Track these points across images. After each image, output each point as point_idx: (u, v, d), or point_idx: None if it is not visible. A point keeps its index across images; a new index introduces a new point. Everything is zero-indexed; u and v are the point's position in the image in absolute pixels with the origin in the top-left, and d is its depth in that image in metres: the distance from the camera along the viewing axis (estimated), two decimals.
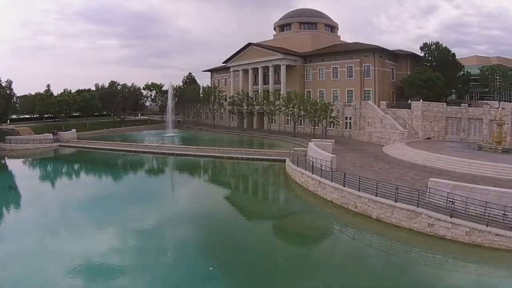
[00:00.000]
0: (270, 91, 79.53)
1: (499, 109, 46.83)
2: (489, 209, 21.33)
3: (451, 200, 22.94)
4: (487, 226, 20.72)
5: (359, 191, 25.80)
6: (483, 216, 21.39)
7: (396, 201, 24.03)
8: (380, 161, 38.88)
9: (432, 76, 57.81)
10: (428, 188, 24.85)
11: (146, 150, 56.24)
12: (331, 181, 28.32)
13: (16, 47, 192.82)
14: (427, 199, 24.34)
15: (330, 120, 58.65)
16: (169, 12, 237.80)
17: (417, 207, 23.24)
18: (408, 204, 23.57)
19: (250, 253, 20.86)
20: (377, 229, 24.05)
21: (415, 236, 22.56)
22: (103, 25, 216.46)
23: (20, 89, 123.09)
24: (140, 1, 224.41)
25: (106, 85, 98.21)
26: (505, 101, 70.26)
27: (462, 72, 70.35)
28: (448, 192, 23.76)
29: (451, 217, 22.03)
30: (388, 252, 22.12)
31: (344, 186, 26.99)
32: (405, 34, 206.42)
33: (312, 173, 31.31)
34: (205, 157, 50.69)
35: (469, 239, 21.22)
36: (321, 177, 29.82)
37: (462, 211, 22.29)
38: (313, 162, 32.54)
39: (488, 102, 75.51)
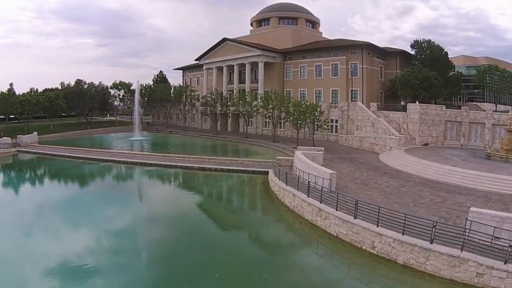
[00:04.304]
0: (246, 90, 72.29)
1: (510, 112, 41.48)
2: None
3: (497, 237, 17.33)
4: None
5: (377, 226, 18.88)
6: None
7: (432, 242, 17.36)
8: (383, 174, 32.33)
9: (429, 75, 52.05)
10: (469, 223, 18.36)
11: (107, 158, 48.56)
12: (336, 210, 21.22)
13: None
14: (467, 235, 17.94)
15: (318, 123, 51.35)
16: (144, 11, 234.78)
17: (462, 251, 16.77)
18: (449, 247, 17.05)
19: None
20: (405, 280, 17.27)
21: None
22: (79, 24, 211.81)
23: None
24: (115, 0, 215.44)
25: (73, 83, 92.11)
26: (499, 103, 65.87)
27: (452, 72, 65.65)
28: (494, 227, 17.80)
29: (505, 264, 15.99)
30: None
31: (355, 218, 19.96)
32: (380, 35, 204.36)
33: (308, 196, 24.14)
34: (173, 168, 42.82)
35: None
36: (321, 202, 22.69)
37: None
38: (308, 182, 25.25)
39: (478, 103, 71.46)
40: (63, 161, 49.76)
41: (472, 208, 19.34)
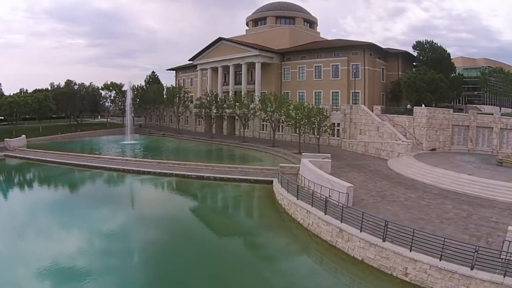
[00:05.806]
0: (242, 92, 69.90)
1: None
2: None
3: None
4: None
5: (411, 250, 16.90)
6: None
7: (472, 268, 15.47)
8: (398, 185, 30.41)
9: (435, 77, 50.32)
10: (508, 244, 16.57)
11: (99, 164, 45.83)
12: (361, 231, 19.15)
13: None
14: (504, 257, 16.18)
15: (324, 128, 49.03)
16: (136, 12, 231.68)
17: (504, 276, 14.98)
18: (489, 272, 15.26)
19: None
20: None
21: None
22: (71, 24, 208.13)
23: None
24: (107, 0, 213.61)
25: (63, 84, 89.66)
26: (501, 106, 64.70)
27: (453, 74, 64.29)
28: None
29: None
30: None
31: (384, 240, 17.95)
32: (372, 36, 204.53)
33: (325, 213, 22.02)
34: (168, 176, 40.33)
35: None
36: (342, 221, 20.59)
37: None
38: (326, 198, 23.07)
39: (478, 106, 70.42)
40: (53, 167, 47.13)
41: (510, 228, 17.51)
